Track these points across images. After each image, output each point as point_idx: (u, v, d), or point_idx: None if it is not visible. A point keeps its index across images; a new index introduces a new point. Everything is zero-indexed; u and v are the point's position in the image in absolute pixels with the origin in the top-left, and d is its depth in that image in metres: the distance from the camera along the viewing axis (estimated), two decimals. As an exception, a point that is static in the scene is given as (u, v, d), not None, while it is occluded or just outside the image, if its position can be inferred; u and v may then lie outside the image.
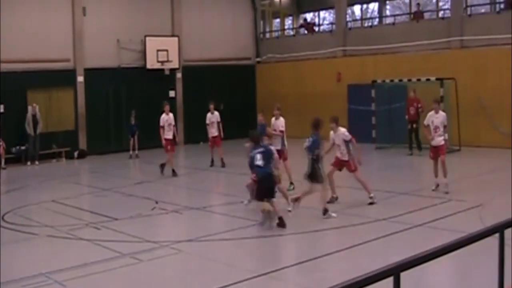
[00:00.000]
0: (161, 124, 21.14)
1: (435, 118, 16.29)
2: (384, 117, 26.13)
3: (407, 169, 21.88)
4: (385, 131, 25.66)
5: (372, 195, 14.95)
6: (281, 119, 17.37)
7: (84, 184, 21.50)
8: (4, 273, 9.92)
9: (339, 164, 15.13)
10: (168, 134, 21.06)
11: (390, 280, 4.36)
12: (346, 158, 14.92)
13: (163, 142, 20.67)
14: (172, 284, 9.78)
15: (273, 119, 17.52)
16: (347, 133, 14.84)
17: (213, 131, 22.39)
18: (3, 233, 13.24)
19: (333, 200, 15.06)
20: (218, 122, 22.48)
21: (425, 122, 16.65)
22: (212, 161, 22.58)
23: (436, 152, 16.18)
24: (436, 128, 16.21)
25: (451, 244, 5.12)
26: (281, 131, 17.07)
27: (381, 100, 26.39)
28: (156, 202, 16.00)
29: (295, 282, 9.71)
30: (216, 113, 22.65)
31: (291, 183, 16.81)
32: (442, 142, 16.14)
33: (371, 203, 14.79)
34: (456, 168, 18.41)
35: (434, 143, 16.21)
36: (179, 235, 12.81)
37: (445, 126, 16.31)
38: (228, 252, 11.48)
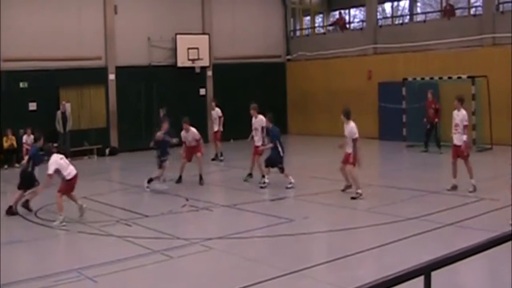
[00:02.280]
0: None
1: (456, 115, 16.25)
2: (415, 115, 25.93)
3: (439, 168, 21.69)
4: (415, 130, 25.48)
5: (359, 191, 15.34)
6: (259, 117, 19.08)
7: (115, 181, 21.69)
8: (36, 269, 10.06)
9: (344, 159, 15.88)
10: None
11: (421, 279, 4.36)
12: (350, 151, 15.52)
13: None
14: (202, 281, 9.83)
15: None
16: (354, 130, 15.39)
17: (214, 126, 23.91)
18: (36, 229, 13.43)
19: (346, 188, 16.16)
20: (219, 117, 23.82)
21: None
22: (216, 155, 23.90)
23: (456, 152, 16.14)
24: (456, 125, 16.14)
25: (482, 243, 5.09)
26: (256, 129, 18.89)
27: (411, 98, 26.22)
28: (187, 199, 16.08)
29: (325, 280, 9.70)
30: (217, 109, 23.99)
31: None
32: (461, 142, 15.96)
33: (353, 198, 15.35)
34: (488, 167, 18.27)
35: (454, 141, 16.19)
36: (210, 232, 12.86)
37: (465, 126, 16.09)
38: (258, 249, 11.52)
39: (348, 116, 15.61)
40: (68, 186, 14.07)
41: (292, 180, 17.15)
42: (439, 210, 13.85)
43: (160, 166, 17.64)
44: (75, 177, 14.20)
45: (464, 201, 14.84)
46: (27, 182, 15.15)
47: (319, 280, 9.68)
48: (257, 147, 18.31)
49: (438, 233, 11.98)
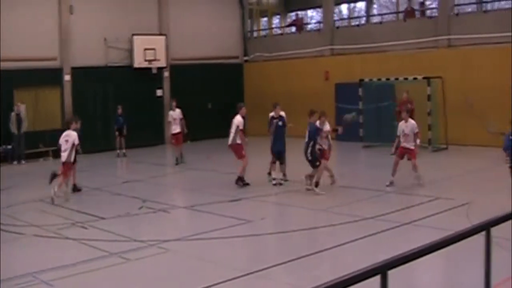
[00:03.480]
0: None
1: (405, 127, 16.87)
2: (372, 116, 26.18)
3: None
4: (372, 130, 25.70)
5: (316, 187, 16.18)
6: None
7: (71, 183, 21.37)
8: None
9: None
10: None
11: (377, 279, 4.37)
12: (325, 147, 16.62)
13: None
14: (159, 283, 9.74)
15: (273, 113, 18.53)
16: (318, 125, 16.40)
17: (175, 128, 22.92)
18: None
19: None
20: (181, 119, 23.05)
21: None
22: (177, 159, 23.01)
23: (405, 153, 17.00)
24: (406, 135, 16.81)
25: (438, 242, 5.13)
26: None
27: (368, 99, 26.45)
28: (144, 201, 15.95)
29: (283, 280, 9.70)
30: (178, 110, 23.21)
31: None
32: (413, 146, 16.87)
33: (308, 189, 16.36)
34: (443, 167, 18.49)
35: (406, 145, 16.91)
36: (167, 234, 12.76)
37: (416, 133, 16.88)
38: (216, 251, 11.46)
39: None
40: None
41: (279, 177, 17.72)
42: (396, 210, 13.96)
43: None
44: None
45: (420, 200, 15.00)
46: None
47: (277, 281, 9.66)
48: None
49: (395, 232, 12.07)
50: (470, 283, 8.74)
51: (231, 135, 17.96)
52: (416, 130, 16.76)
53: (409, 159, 17.04)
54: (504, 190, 15.10)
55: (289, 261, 10.38)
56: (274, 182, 17.62)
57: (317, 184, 16.15)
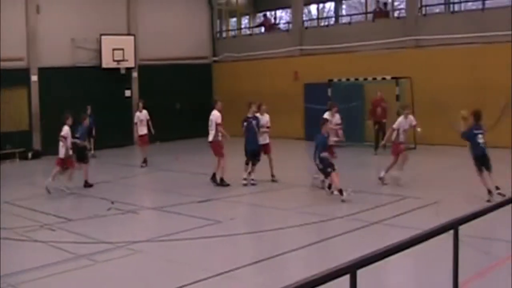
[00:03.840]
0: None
1: (405, 123, 17.26)
2: (341, 116, 26.22)
3: (364, 167, 22.02)
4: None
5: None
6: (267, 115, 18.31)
7: (39, 185, 21.06)
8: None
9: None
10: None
11: (347, 278, 4.36)
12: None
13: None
14: (128, 285, 9.67)
15: (258, 114, 18.19)
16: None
17: (142, 129, 22.46)
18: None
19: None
20: (147, 120, 22.64)
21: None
22: (144, 160, 22.67)
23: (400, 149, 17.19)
24: (405, 131, 17.25)
25: (407, 241, 5.15)
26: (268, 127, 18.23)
27: (337, 99, 26.45)
28: (112, 203, 15.81)
29: (253, 281, 9.69)
30: (145, 111, 22.82)
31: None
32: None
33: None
34: (411, 166, 18.56)
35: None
36: (136, 235, 12.67)
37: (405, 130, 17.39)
38: (185, 252, 11.40)
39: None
40: None
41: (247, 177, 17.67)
42: (365, 209, 14.02)
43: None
44: None
45: (389, 199, 15.10)
46: None
47: (247, 281, 9.65)
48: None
49: (365, 231, 12.12)
50: (438, 281, 8.80)
51: (211, 132, 17.78)
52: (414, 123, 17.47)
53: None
54: (471, 188, 15.28)
55: (259, 261, 10.37)
56: (244, 182, 17.55)
57: (341, 191, 15.03)
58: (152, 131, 22.63)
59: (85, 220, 14.10)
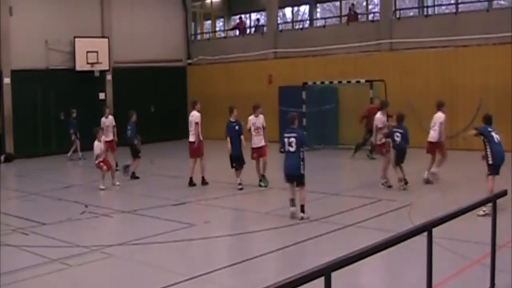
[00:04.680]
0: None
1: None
2: (315, 119, 26.34)
3: (338, 170, 22.12)
4: (316, 133, 25.83)
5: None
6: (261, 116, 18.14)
7: (11, 188, 20.94)
8: None
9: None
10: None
11: (321, 280, 4.37)
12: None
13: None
14: (102, 289, 9.62)
15: (252, 116, 18.02)
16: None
17: (108, 135, 21.94)
18: None
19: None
20: (113, 126, 22.33)
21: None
22: (117, 164, 22.28)
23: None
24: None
25: (381, 243, 5.17)
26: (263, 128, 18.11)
27: (312, 102, 26.62)
28: (86, 206, 15.71)
29: (227, 284, 9.67)
30: (111, 117, 22.53)
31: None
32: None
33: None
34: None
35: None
36: (110, 239, 12.60)
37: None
38: (159, 255, 11.36)
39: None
40: None
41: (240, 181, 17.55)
42: (339, 212, 14.08)
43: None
44: None
45: (363, 202, 15.14)
46: None
47: (221, 284, 9.63)
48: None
49: (339, 234, 12.16)
50: (412, 283, 8.85)
51: (191, 132, 18.01)
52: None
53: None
54: (444, 191, 15.39)
55: (233, 264, 10.37)
56: (240, 187, 17.38)
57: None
58: (116, 139, 22.30)
59: (58, 224, 13.98)
